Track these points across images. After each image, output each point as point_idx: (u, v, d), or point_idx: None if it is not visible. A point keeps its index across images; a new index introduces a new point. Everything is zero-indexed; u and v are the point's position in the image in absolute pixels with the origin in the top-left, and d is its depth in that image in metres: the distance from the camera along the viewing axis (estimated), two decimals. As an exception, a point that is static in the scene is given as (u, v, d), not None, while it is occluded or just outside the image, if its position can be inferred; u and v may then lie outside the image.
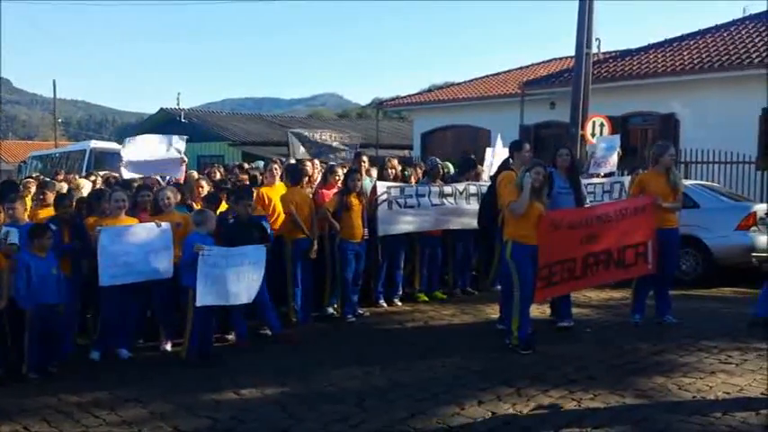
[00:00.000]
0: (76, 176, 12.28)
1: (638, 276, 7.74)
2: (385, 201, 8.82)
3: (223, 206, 7.97)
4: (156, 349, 7.19)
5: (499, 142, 11.26)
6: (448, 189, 9.33)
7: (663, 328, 7.61)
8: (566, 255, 7.00)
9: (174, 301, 7.17)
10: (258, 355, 6.96)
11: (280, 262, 8.04)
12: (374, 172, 9.73)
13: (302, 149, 11.26)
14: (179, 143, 10.53)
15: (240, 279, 6.82)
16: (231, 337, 7.47)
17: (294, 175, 8.50)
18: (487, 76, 27.24)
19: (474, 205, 9.31)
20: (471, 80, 27.45)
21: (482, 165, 10.70)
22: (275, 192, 8.40)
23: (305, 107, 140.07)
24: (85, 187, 9.70)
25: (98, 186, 9.69)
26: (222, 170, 11.89)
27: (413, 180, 9.98)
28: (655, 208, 7.50)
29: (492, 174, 8.83)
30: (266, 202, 8.28)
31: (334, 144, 12.25)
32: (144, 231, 6.99)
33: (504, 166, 7.83)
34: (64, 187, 9.44)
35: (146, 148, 10.18)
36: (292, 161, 10.26)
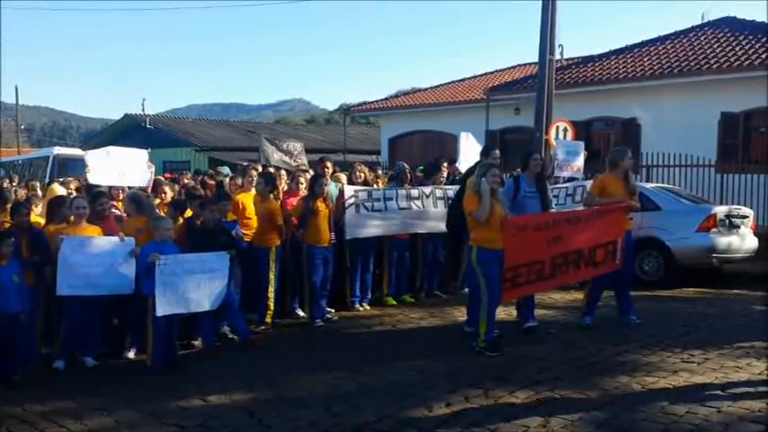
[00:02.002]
0: (37, 183, 12.06)
1: (592, 280, 7.87)
2: (352, 204, 8.86)
3: (189, 212, 7.92)
4: (120, 357, 7.11)
5: (463, 137, 11.42)
6: (415, 192, 9.39)
7: (626, 328, 7.74)
8: (532, 257, 7.07)
9: (142, 310, 7.09)
10: (225, 361, 6.92)
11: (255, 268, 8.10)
12: (343, 177, 9.74)
13: (276, 156, 11.18)
14: (143, 155, 10.45)
15: (201, 286, 6.76)
16: (198, 342, 7.42)
17: (266, 183, 8.46)
18: (453, 82, 27.43)
19: (441, 209, 9.39)
20: (437, 86, 27.61)
21: (452, 166, 10.78)
22: (250, 198, 8.38)
23: (272, 113, 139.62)
24: (59, 192, 9.54)
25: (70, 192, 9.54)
26: (190, 176, 11.84)
27: (379, 184, 10.02)
28: (625, 213, 7.64)
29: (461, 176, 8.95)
30: (240, 207, 8.26)
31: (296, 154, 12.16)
32: (107, 244, 6.86)
33: (472, 170, 7.89)
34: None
35: (111, 161, 10.06)
36: (270, 169, 10.21)
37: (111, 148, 10.43)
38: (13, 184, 12.33)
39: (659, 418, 5.02)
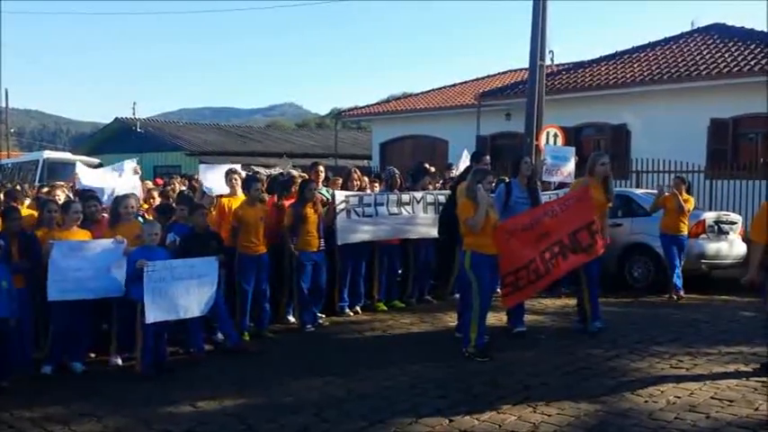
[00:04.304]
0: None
1: (587, 286, 7.85)
2: (343, 210, 8.86)
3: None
4: (107, 363, 7.07)
5: (465, 155, 11.59)
6: (406, 198, 9.41)
7: (615, 334, 7.75)
8: (528, 257, 7.10)
9: (133, 316, 7.05)
10: (215, 367, 6.90)
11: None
12: (339, 181, 9.69)
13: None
14: (131, 164, 10.46)
15: (189, 292, 6.74)
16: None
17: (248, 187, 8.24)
18: (445, 87, 27.50)
19: (431, 214, 9.42)
20: (429, 91, 27.67)
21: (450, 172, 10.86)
22: (236, 203, 8.33)
23: (263, 117, 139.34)
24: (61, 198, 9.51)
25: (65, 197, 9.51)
26: (180, 180, 11.83)
27: (375, 189, 10.02)
28: (589, 193, 7.58)
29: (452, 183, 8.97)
30: (226, 212, 8.24)
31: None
32: (98, 247, 6.85)
33: (464, 176, 7.92)
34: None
35: (100, 176, 10.06)
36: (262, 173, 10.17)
37: (98, 170, 10.45)
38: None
39: (648, 423, 5.05)
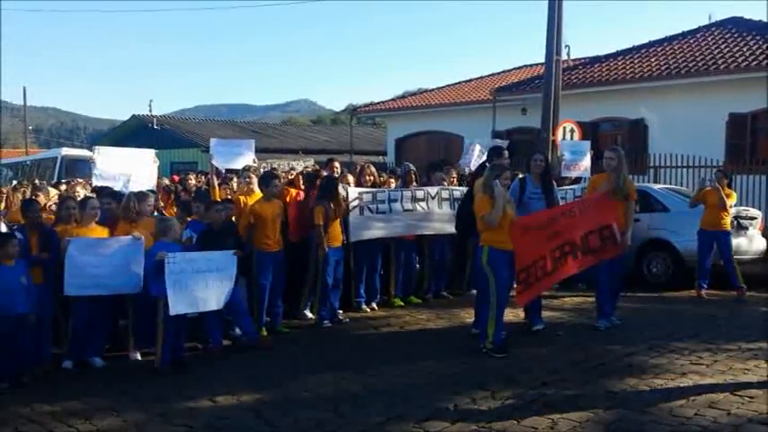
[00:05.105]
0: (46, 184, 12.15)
1: (598, 284, 7.86)
2: (357, 207, 8.84)
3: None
4: (127, 358, 7.13)
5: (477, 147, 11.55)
6: (420, 194, 9.37)
7: (633, 330, 7.70)
8: (537, 254, 7.09)
9: (150, 311, 7.10)
10: (232, 362, 6.93)
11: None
12: (351, 178, 9.71)
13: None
14: (149, 155, 10.46)
15: (208, 285, 6.76)
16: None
17: (266, 184, 8.26)
18: (460, 83, 27.42)
19: (446, 210, 9.39)
20: (444, 86, 27.60)
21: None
22: (253, 200, 8.35)
23: (279, 113, 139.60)
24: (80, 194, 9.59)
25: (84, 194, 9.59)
26: (196, 177, 11.87)
27: (390, 186, 10.01)
28: (610, 198, 7.59)
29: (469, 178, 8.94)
30: (242, 208, 8.25)
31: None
32: (115, 244, 6.91)
33: (481, 171, 7.88)
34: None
35: (118, 162, 10.07)
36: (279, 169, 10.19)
37: (117, 149, 10.44)
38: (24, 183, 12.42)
39: (668, 420, 5.01)
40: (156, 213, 8.03)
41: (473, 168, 11.24)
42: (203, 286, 6.71)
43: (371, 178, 9.65)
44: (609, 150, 7.99)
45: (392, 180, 10.19)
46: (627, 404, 5.36)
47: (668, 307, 9.23)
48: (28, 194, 9.08)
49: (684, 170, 15.65)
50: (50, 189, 10.64)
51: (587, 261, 7.49)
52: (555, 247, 7.20)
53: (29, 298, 6.28)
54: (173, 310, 6.49)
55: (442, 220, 9.40)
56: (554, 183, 8.37)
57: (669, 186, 13.08)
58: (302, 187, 9.06)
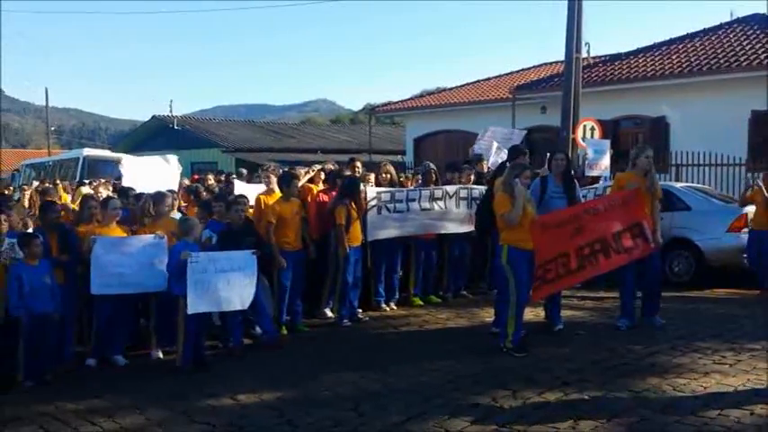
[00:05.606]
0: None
1: (624, 283, 7.80)
2: (375, 206, 8.84)
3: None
4: (148, 356, 7.19)
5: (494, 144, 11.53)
6: (438, 193, 9.34)
7: (655, 329, 7.65)
8: (558, 250, 7.07)
9: (172, 310, 7.16)
10: (253, 361, 6.97)
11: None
12: (372, 177, 9.71)
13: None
14: (173, 161, 10.68)
15: (231, 284, 6.80)
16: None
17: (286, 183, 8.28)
18: (479, 81, 27.30)
19: (464, 209, 9.37)
20: (463, 85, 27.50)
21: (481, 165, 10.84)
22: (273, 199, 8.38)
23: (297, 113, 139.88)
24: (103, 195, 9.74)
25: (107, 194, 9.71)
26: (214, 176, 11.96)
27: (410, 184, 10.00)
28: (640, 195, 7.53)
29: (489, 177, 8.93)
30: (263, 208, 8.27)
31: None
32: (139, 243, 6.99)
33: (501, 170, 7.86)
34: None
35: (143, 169, 10.27)
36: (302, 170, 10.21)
37: (143, 158, 10.70)
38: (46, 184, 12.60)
39: (691, 420, 4.96)
40: (178, 213, 8.09)
41: (491, 164, 11.21)
42: (226, 286, 6.75)
43: (388, 176, 9.64)
44: (647, 149, 7.91)
45: (414, 180, 10.19)
46: (649, 404, 5.32)
47: (690, 306, 9.14)
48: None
49: (706, 168, 15.50)
50: (81, 188, 10.84)
51: (619, 260, 7.46)
52: (583, 245, 7.17)
53: (53, 297, 6.37)
54: (191, 309, 6.54)
55: (459, 220, 9.39)
56: (576, 182, 8.33)
57: (691, 185, 12.96)
58: (321, 186, 9.10)
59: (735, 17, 21.10)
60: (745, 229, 10.87)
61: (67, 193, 12.21)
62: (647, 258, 7.64)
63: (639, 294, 7.95)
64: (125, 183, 9.53)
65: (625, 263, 7.53)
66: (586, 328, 7.87)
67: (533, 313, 8.11)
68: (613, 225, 7.36)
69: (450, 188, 9.49)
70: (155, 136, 34.36)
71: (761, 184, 10.08)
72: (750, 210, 11.25)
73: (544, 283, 7.05)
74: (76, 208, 8.22)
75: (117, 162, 10.22)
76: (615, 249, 7.32)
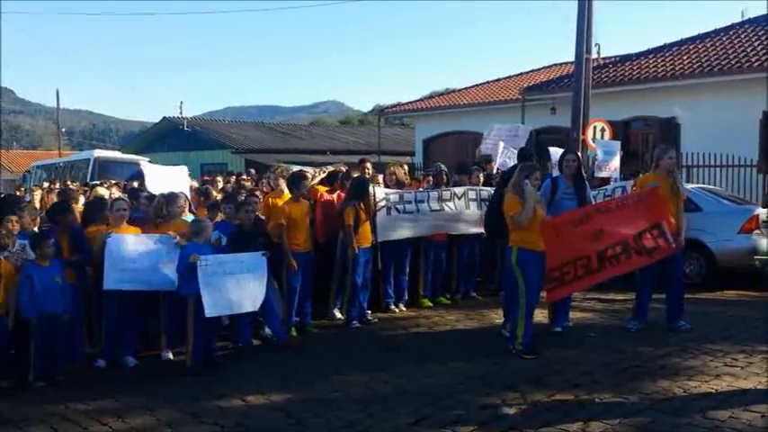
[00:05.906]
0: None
1: (639, 283, 7.76)
2: (384, 207, 8.83)
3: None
4: (158, 357, 7.21)
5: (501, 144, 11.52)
6: (447, 194, 9.33)
7: (665, 331, 7.60)
8: (577, 254, 7.07)
9: (182, 311, 7.17)
10: (262, 362, 6.98)
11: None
12: (380, 178, 9.71)
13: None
14: (183, 172, 10.96)
15: (241, 286, 6.81)
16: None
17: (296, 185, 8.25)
18: (488, 82, 27.27)
19: (473, 210, 9.35)
20: (472, 86, 27.48)
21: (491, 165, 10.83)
22: (282, 201, 8.38)
23: (307, 115, 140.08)
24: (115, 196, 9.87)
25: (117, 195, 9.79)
26: (223, 178, 12.02)
27: (423, 185, 9.99)
28: (659, 195, 7.49)
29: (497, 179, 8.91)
30: (272, 209, 8.29)
31: None
32: (152, 241, 7.03)
33: (512, 173, 7.83)
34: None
35: (161, 176, 10.53)
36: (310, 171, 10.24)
37: (159, 167, 11.09)
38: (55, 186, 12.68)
39: (701, 422, 4.94)
40: (190, 215, 8.11)
41: (498, 164, 11.19)
42: (237, 288, 6.76)
43: (394, 177, 9.62)
44: (670, 149, 7.88)
45: (425, 181, 10.17)
46: (660, 406, 5.29)
47: (701, 308, 9.07)
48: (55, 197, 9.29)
49: (717, 169, 15.42)
50: (97, 189, 11.04)
51: (640, 261, 7.44)
52: (605, 247, 7.16)
53: (63, 298, 6.40)
54: (208, 313, 6.54)
55: (468, 221, 9.37)
56: (587, 183, 8.30)
57: (702, 186, 12.88)
58: (327, 187, 9.10)
59: (746, 18, 20.99)
60: (757, 231, 10.82)
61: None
62: (669, 262, 7.58)
63: (655, 296, 7.90)
64: (148, 187, 9.70)
65: (646, 264, 7.49)
66: (597, 330, 7.84)
67: (543, 315, 8.06)
68: (634, 226, 7.33)
69: (459, 189, 9.48)
70: (165, 137, 34.51)
71: None
72: (762, 211, 11.22)
73: (561, 284, 7.03)
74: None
75: (136, 164, 10.50)
76: (636, 250, 7.29)
